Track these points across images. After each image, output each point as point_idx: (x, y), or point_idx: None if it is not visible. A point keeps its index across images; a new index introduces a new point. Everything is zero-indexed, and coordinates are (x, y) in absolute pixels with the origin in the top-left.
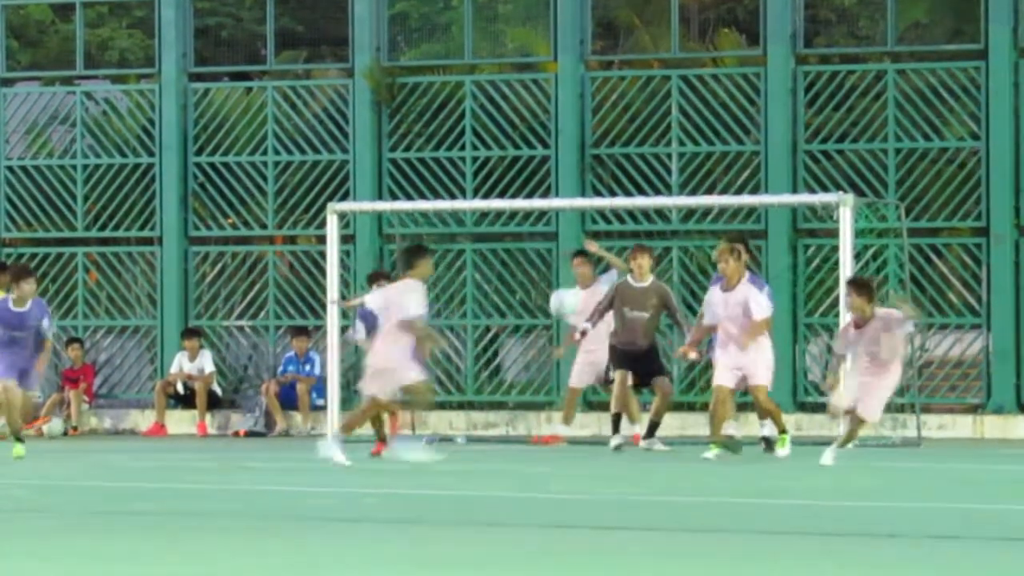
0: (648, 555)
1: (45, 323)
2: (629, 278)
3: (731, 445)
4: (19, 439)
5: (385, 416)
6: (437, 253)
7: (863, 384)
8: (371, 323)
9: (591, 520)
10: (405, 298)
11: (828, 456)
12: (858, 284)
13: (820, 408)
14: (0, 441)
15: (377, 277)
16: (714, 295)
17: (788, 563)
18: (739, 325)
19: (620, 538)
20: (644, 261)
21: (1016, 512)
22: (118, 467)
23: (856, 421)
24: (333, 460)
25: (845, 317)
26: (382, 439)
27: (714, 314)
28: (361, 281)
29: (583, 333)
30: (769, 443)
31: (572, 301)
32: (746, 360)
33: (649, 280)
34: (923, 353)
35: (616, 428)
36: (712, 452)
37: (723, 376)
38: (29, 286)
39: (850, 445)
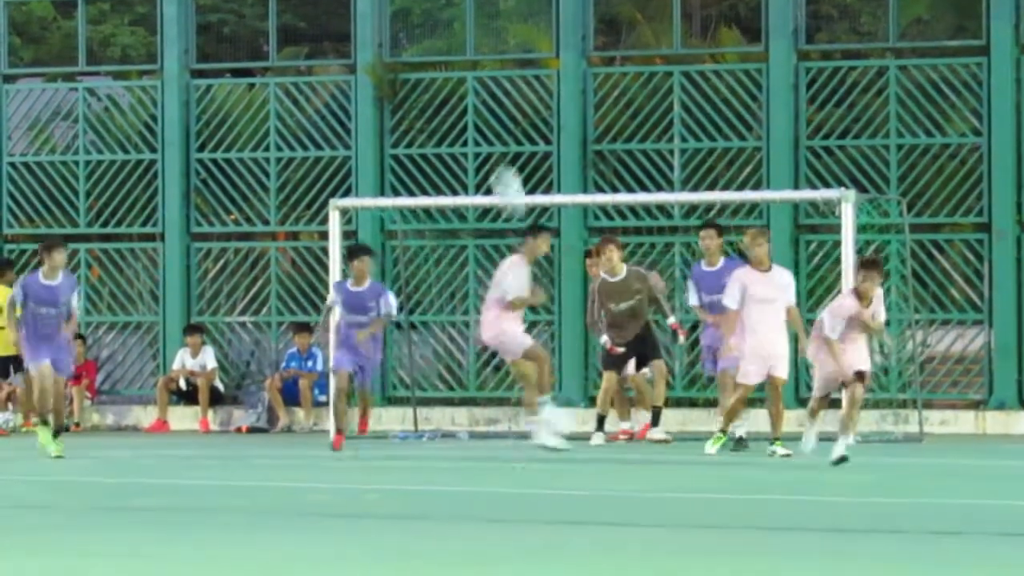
0: (649, 551)
1: (74, 299)
2: (603, 274)
3: (739, 445)
4: (55, 434)
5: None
6: (438, 248)
7: (855, 354)
8: (347, 299)
9: (593, 516)
10: (505, 277)
11: (840, 447)
12: (877, 265)
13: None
14: (1, 437)
15: (357, 252)
16: (748, 276)
17: (789, 559)
18: (774, 310)
19: (622, 534)
20: (613, 254)
21: (1018, 507)
22: (120, 463)
23: (853, 395)
24: (548, 445)
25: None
26: (340, 431)
27: (736, 297)
28: None
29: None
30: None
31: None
32: (778, 349)
33: (624, 271)
34: (925, 349)
35: (600, 427)
36: (714, 446)
37: (751, 373)
38: (60, 256)
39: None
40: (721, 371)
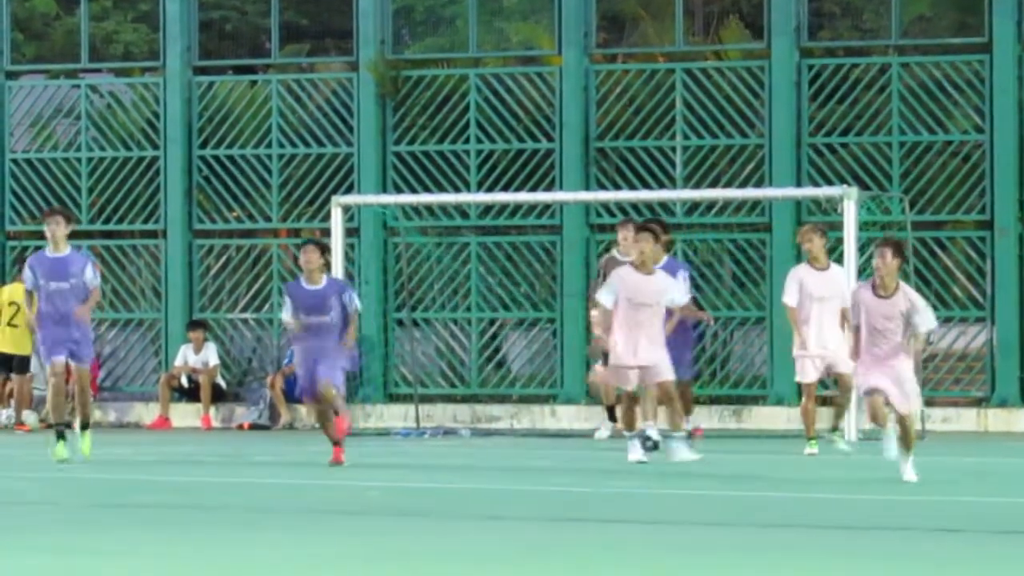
0: (651, 548)
1: (90, 271)
2: (616, 254)
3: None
4: (62, 435)
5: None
6: (442, 245)
7: (889, 369)
8: (303, 299)
9: (594, 514)
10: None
11: (909, 471)
12: (896, 245)
13: (826, 401)
14: None
15: (303, 244)
16: (804, 274)
17: (791, 555)
18: (830, 308)
19: (623, 532)
20: (630, 234)
21: (1020, 505)
22: (122, 460)
23: (907, 418)
24: (635, 459)
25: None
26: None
27: (794, 294)
28: (367, 275)
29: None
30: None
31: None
32: (832, 347)
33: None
34: (927, 346)
35: (612, 417)
36: (818, 446)
37: (809, 371)
38: (58, 227)
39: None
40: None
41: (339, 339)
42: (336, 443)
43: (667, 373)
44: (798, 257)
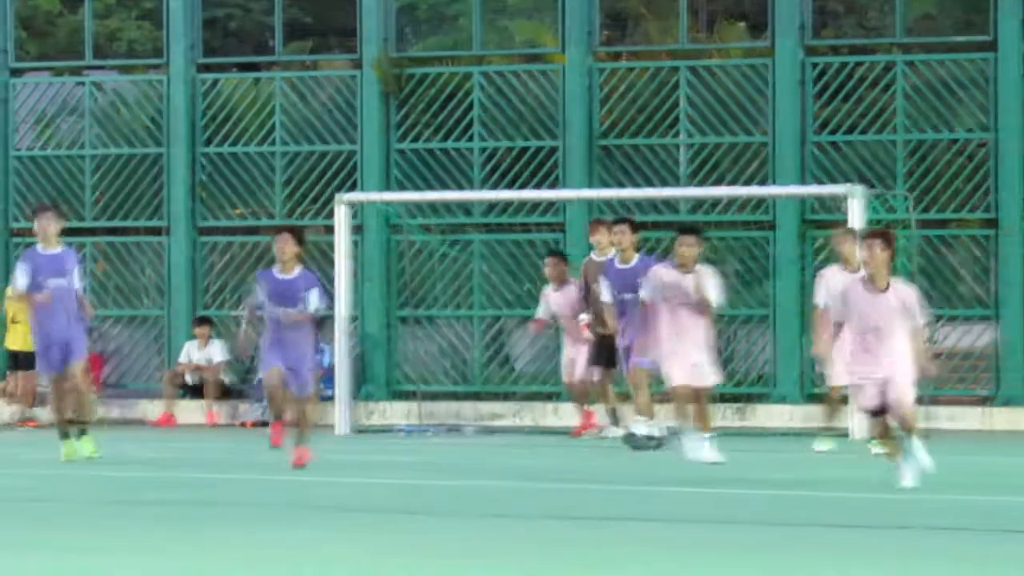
0: (651, 548)
1: (77, 274)
2: (592, 255)
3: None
4: (82, 432)
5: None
6: (446, 243)
7: (884, 374)
8: (275, 288)
9: (597, 511)
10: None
11: (909, 476)
12: (884, 237)
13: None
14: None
15: (278, 231)
16: (833, 276)
17: (792, 555)
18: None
19: (623, 530)
20: (602, 237)
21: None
22: (126, 457)
23: (906, 417)
24: (705, 459)
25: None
26: (279, 419)
27: (823, 295)
28: (370, 272)
29: (588, 325)
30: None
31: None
32: None
33: (611, 253)
34: (932, 345)
35: (614, 420)
36: (825, 445)
37: (843, 373)
38: (50, 223)
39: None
40: (634, 367)
41: (308, 334)
42: (279, 419)
43: (710, 378)
44: (802, 256)
